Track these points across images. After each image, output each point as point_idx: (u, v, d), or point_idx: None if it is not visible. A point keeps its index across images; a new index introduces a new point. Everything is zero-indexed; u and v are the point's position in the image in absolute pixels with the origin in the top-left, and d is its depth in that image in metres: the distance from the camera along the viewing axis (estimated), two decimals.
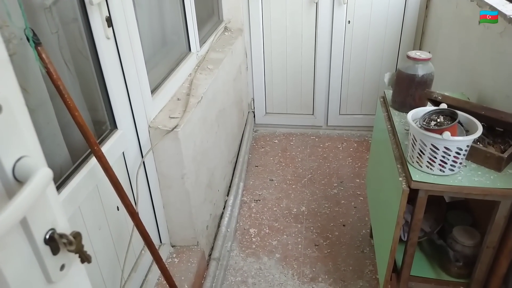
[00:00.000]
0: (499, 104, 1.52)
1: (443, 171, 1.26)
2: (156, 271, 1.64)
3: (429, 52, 1.61)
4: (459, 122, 1.29)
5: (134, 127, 1.50)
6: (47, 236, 0.55)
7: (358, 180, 2.61)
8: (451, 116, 1.27)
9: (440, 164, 1.24)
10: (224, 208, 2.28)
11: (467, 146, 1.22)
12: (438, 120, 1.27)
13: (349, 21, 2.80)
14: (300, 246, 2.12)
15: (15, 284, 0.51)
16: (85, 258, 0.59)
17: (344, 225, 2.25)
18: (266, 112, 3.25)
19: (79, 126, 1.08)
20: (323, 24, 2.82)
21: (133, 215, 1.23)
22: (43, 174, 0.51)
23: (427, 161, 1.26)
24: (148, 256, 1.61)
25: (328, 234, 2.19)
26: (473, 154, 1.31)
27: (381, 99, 1.82)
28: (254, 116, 3.25)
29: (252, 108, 3.23)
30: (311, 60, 2.98)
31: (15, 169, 0.51)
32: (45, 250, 0.55)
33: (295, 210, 2.38)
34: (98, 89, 1.34)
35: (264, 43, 2.97)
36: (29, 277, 0.54)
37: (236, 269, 1.99)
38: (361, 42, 2.87)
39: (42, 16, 1.13)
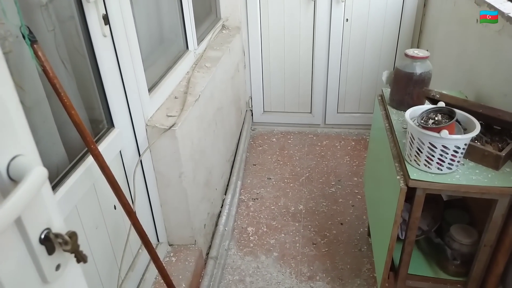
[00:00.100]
0: (497, 102, 1.52)
1: (441, 170, 1.26)
2: (153, 270, 1.64)
3: (427, 50, 1.61)
4: (457, 121, 1.29)
5: (131, 126, 1.49)
6: (43, 236, 0.55)
7: (356, 179, 2.61)
8: (449, 114, 1.27)
9: (438, 163, 1.24)
10: (221, 207, 2.27)
11: (465, 144, 1.22)
12: (436, 118, 1.27)
13: (347, 19, 2.80)
14: (298, 244, 2.12)
15: (10, 284, 0.51)
16: (81, 258, 0.58)
17: (341, 224, 2.25)
18: (264, 111, 3.25)
19: (76, 125, 1.08)
20: (321, 22, 2.81)
21: (130, 214, 1.23)
22: (38, 173, 0.50)
23: (425, 160, 1.26)
24: (145, 255, 1.60)
25: (325, 233, 2.19)
26: (471, 153, 1.31)
27: (379, 98, 1.81)
28: (252, 115, 3.25)
29: (250, 106, 3.23)
30: (309, 58, 2.98)
31: (9, 168, 0.51)
32: (41, 250, 0.55)
33: (293, 208, 2.38)
34: (95, 87, 1.33)
35: (262, 41, 2.97)
36: (24, 277, 0.54)
37: (233, 267, 1.99)
38: (359, 40, 2.86)
39: (39, 14, 1.13)
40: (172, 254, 1.78)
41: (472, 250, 1.41)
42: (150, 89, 1.64)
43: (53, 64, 1.18)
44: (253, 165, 2.79)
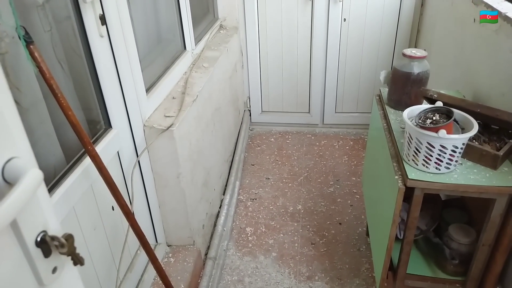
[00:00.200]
0: (495, 102, 1.52)
1: (439, 169, 1.26)
2: (152, 271, 1.64)
3: (425, 50, 1.61)
4: (454, 120, 1.29)
5: (129, 126, 1.49)
6: (39, 239, 0.54)
7: (354, 178, 2.61)
8: (446, 114, 1.27)
9: (436, 162, 1.24)
10: (220, 207, 2.27)
11: (463, 144, 1.22)
12: (434, 118, 1.27)
13: (344, 19, 2.80)
14: (296, 244, 2.12)
15: None
16: (77, 260, 0.58)
17: (340, 224, 2.25)
18: (262, 111, 3.25)
19: (73, 126, 1.07)
20: (319, 22, 2.81)
21: (128, 215, 1.22)
22: (33, 176, 0.50)
23: (423, 159, 1.26)
24: (144, 256, 1.60)
25: (324, 233, 2.19)
26: (469, 152, 1.31)
27: (377, 97, 1.81)
28: (250, 115, 3.25)
29: (248, 106, 3.22)
30: (307, 58, 2.97)
31: (4, 170, 0.50)
32: (37, 253, 0.54)
33: (292, 208, 2.38)
34: (92, 88, 1.33)
35: (260, 41, 2.96)
36: (20, 281, 0.53)
37: (232, 268, 1.99)
38: (356, 40, 2.86)
39: (35, 14, 1.12)
40: (170, 254, 1.77)
41: (471, 250, 1.41)
42: (147, 90, 1.64)
43: (50, 65, 1.17)
44: (252, 165, 2.79)
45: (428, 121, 1.26)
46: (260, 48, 2.99)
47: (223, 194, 2.37)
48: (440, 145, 1.21)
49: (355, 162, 2.78)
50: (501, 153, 1.26)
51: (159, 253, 1.74)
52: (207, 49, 2.39)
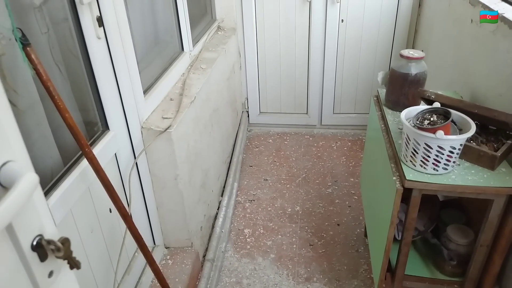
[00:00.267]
0: (492, 103, 1.52)
1: (437, 170, 1.26)
2: (150, 273, 1.63)
3: (422, 51, 1.61)
4: (452, 121, 1.29)
5: (127, 128, 1.49)
6: (34, 243, 0.54)
7: (352, 179, 2.61)
8: (444, 115, 1.27)
9: (433, 163, 1.24)
10: (218, 209, 2.27)
11: (461, 145, 1.22)
12: (432, 119, 1.27)
13: (342, 20, 2.80)
14: (294, 246, 2.12)
15: None
16: (74, 264, 0.58)
17: (338, 225, 2.25)
18: (260, 112, 3.25)
19: (70, 128, 1.07)
20: (317, 22, 2.81)
21: (126, 217, 1.22)
22: (29, 179, 0.50)
23: (421, 160, 1.26)
24: (141, 258, 1.59)
25: (322, 234, 2.19)
26: (467, 153, 1.31)
27: (375, 98, 1.81)
28: (248, 116, 3.24)
29: (246, 107, 3.22)
30: (304, 59, 2.98)
31: None
32: (33, 257, 0.54)
33: (290, 210, 2.37)
34: (90, 89, 1.33)
35: (258, 42, 2.96)
36: (15, 285, 0.53)
37: (230, 270, 1.98)
38: (354, 41, 2.87)
39: (32, 16, 1.12)
40: (168, 256, 1.77)
41: (469, 250, 1.41)
42: (145, 91, 1.64)
43: (47, 67, 1.17)
44: (250, 166, 2.78)
45: (426, 122, 1.26)
46: (258, 49, 2.99)
47: (221, 196, 2.36)
48: (438, 146, 1.21)
49: (353, 163, 2.78)
50: (498, 153, 1.26)
51: (157, 255, 1.74)
52: (205, 50, 2.39)
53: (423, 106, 1.36)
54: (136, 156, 1.54)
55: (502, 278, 1.39)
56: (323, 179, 2.63)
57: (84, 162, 1.20)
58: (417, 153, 1.25)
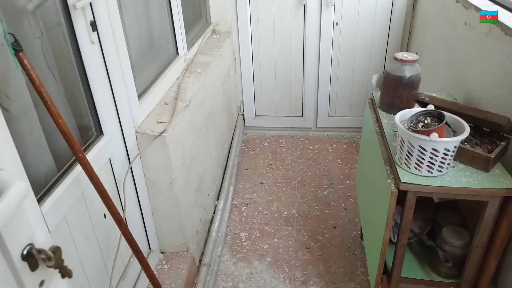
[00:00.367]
0: (486, 104, 1.53)
1: (431, 172, 1.26)
2: (145, 279, 1.62)
3: (416, 53, 1.62)
4: (446, 123, 1.29)
5: (121, 133, 1.48)
6: (25, 252, 0.53)
7: (348, 182, 2.61)
8: (438, 117, 1.27)
9: (428, 165, 1.25)
10: (214, 213, 2.26)
11: (455, 147, 1.22)
12: (426, 121, 1.27)
13: (336, 23, 2.81)
14: (291, 249, 2.12)
15: None
16: (65, 273, 0.57)
17: (334, 227, 2.25)
18: (255, 115, 3.25)
19: (63, 133, 1.06)
20: (311, 26, 2.82)
21: (120, 223, 1.21)
22: (18, 189, 0.49)
23: (415, 163, 1.26)
24: (137, 264, 1.58)
25: (319, 237, 2.19)
26: (461, 155, 1.32)
27: (369, 101, 1.82)
28: (244, 119, 3.24)
29: (242, 111, 3.22)
30: (299, 61, 2.98)
31: None
32: (23, 266, 0.53)
33: (286, 213, 2.37)
34: (83, 94, 1.32)
35: (253, 45, 2.97)
36: None
37: (227, 274, 1.97)
38: (349, 44, 2.88)
39: (25, 21, 1.12)
40: (164, 262, 1.76)
41: (464, 252, 1.41)
42: (139, 96, 1.63)
43: (41, 71, 1.17)
44: (246, 169, 2.78)
45: (420, 124, 1.26)
46: (253, 53, 2.99)
47: (217, 200, 2.36)
48: (432, 148, 1.21)
49: (348, 165, 2.78)
50: (492, 155, 1.27)
51: (153, 261, 1.73)
52: (200, 54, 2.39)
53: (417, 109, 1.37)
54: (130, 161, 1.53)
55: (497, 279, 1.39)
56: (319, 182, 2.63)
57: (78, 168, 1.19)
58: (412, 155, 1.26)
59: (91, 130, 1.37)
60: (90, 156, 1.27)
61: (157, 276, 1.43)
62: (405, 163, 1.29)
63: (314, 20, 2.80)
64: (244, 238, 2.19)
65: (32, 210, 0.56)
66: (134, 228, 1.63)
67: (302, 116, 3.18)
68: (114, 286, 1.47)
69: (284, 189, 2.57)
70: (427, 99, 1.43)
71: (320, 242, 2.15)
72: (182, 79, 2.01)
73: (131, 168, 1.54)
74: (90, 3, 1.27)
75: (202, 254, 2.00)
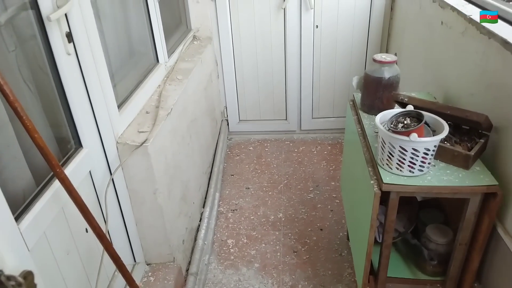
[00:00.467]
0: (465, 102, 1.56)
1: (413, 172, 1.27)
2: None
3: (396, 54, 1.63)
4: (425, 123, 1.31)
5: (101, 144, 1.46)
6: None
7: (333, 183, 2.62)
8: (417, 117, 1.29)
9: (409, 165, 1.26)
10: (200, 221, 2.24)
11: (435, 146, 1.24)
12: (405, 122, 1.28)
13: (317, 26, 2.83)
14: (278, 253, 2.11)
15: None
16: None
17: (321, 229, 2.25)
18: (239, 120, 3.24)
19: (40, 148, 1.04)
20: (292, 29, 2.83)
21: (102, 238, 1.19)
22: None
23: (397, 163, 1.27)
24: (122, 277, 1.56)
25: (306, 240, 2.19)
26: (441, 154, 1.33)
27: (351, 103, 1.83)
28: (228, 124, 3.23)
29: (225, 116, 3.21)
30: (281, 65, 2.99)
31: None
32: None
33: (273, 217, 2.37)
34: (61, 107, 1.30)
35: (234, 50, 2.96)
36: None
37: (215, 282, 1.96)
38: (330, 46, 2.90)
39: None
40: (150, 273, 1.73)
41: (448, 249, 1.43)
42: (119, 105, 1.61)
43: (16, 85, 1.15)
44: (231, 175, 2.77)
45: (400, 125, 1.28)
46: (235, 58, 2.99)
47: (203, 207, 2.34)
48: (413, 149, 1.22)
49: (333, 166, 2.80)
50: (472, 153, 1.28)
51: (138, 273, 1.70)
52: (181, 60, 2.38)
53: (397, 110, 1.38)
54: (112, 172, 1.51)
55: (481, 275, 1.41)
56: (304, 184, 2.63)
57: (57, 183, 1.17)
58: (393, 156, 1.26)
59: (70, 143, 1.35)
60: (69, 169, 1.25)
61: None
62: (387, 164, 1.30)
63: (294, 24, 2.81)
64: (231, 245, 2.18)
65: (5, 232, 0.54)
66: (117, 240, 1.61)
67: (286, 119, 3.19)
68: None
69: (270, 193, 2.57)
70: (406, 99, 1.45)
71: (308, 245, 2.15)
72: (163, 87, 1.99)
73: (112, 179, 1.52)
74: (66, 14, 1.25)
75: (189, 263, 1.98)
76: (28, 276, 0.53)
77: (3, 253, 0.53)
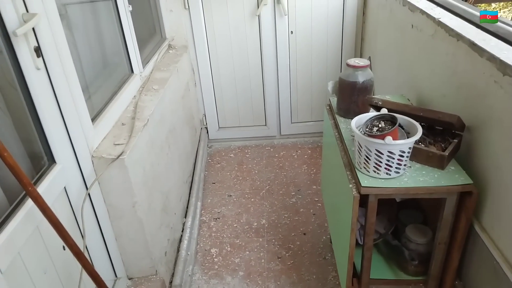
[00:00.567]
0: (437, 103, 1.59)
1: (389, 174, 1.29)
2: None
3: (369, 58, 1.66)
4: (399, 126, 1.33)
5: (75, 159, 1.43)
6: None
7: (315, 187, 2.63)
8: (391, 120, 1.30)
9: (386, 168, 1.27)
10: (182, 231, 2.21)
11: (409, 148, 1.26)
12: (380, 125, 1.30)
13: (291, 32, 2.85)
14: (263, 260, 2.10)
15: None
16: None
17: (304, 234, 2.26)
18: (219, 127, 3.23)
19: (10, 167, 1.01)
20: (267, 35, 2.84)
21: (79, 255, 1.16)
22: None
23: (374, 166, 1.28)
24: None
25: (290, 245, 2.19)
26: (416, 155, 1.35)
27: (327, 107, 1.85)
28: (208, 132, 3.22)
29: (205, 124, 3.20)
30: (258, 71, 3.00)
31: None
32: None
33: (256, 224, 2.36)
34: (31, 123, 1.26)
35: (211, 58, 2.96)
36: None
37: None
38: (305, 51, 2.92)
39: None
40: None
41: (429, 249, 1.45)
42: (94, 118, 1.58)
43: None
44: (212, 183, 2.75)
45: (375, 128, 1.29)
46: (211, 65, 2.98)
47: (185, 217, 2.32)
48: (388, 151, 1.24)
49: (314, 170, 2.81)
50: (446, 153, 1.31)
51: None
52: (157, 70, 2.35)
53: (372, 113, 1.40)
54: (88, 187, 1.47)
55: (461, 272, 1.43)
56: (286, 189, 2.63)
57: (31, 201, 1.13)
58: (370, 159, 1.28)
59: (43, 159, 1.32)
60: (43, 187, 1.22)
61: None
62: (364, 167, 1.32)
63: (269, 30, 2.82)
64: (215, 254, 2.16)
65: None
66: (97, 255, 1.57)
67: (266, 124, 3.19)
68: None
69: (252, 200, 2.56)
70: (380, 103, 1.47)
71: (292, 250, 2.15)
72: (139, 97, 1.96)
73: (89, 194, 1.49)
74: (33, 28, 1.22)
75: (172, 275, 1.95)
76: None
77: None
